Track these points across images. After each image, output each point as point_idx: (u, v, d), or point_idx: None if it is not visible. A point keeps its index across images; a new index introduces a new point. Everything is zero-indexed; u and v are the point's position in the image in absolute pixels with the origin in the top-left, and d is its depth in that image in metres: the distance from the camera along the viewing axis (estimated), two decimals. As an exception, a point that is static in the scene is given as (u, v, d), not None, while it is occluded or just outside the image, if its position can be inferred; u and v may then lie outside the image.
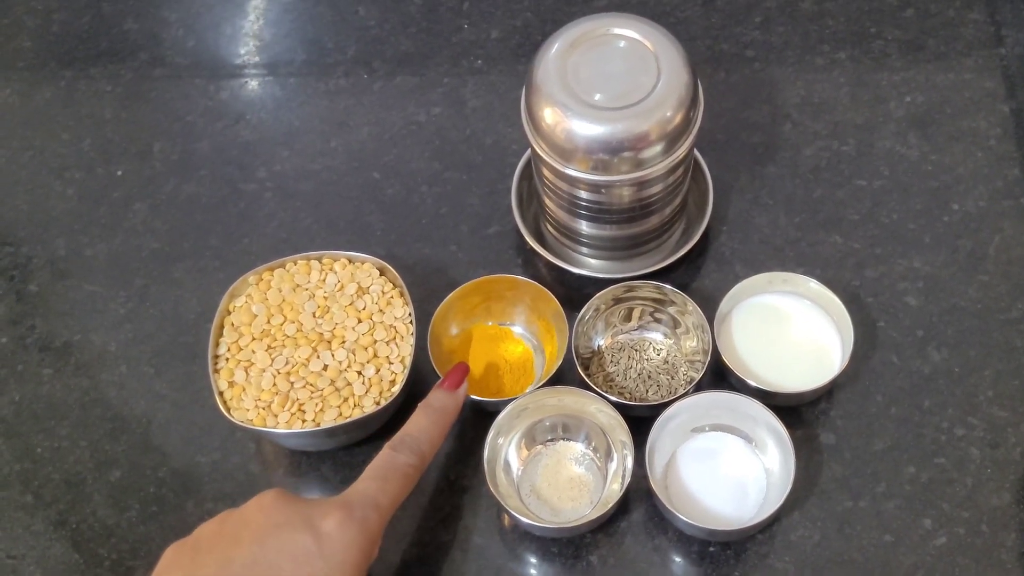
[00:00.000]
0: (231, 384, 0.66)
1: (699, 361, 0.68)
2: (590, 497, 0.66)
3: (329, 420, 0.65)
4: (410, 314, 0.68)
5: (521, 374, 0.71)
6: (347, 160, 0.82)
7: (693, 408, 0.66)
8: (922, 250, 0.74)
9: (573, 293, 0.72)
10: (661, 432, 0.65)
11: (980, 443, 0.67)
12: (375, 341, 0.67)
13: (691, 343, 0.70)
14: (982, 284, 0.73)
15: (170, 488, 0.69)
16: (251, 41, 0.89)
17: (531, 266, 0.76)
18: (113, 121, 0.86)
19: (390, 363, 0.67)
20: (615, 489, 0.64)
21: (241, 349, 0.67)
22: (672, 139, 0.63)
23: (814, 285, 0.69)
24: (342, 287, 0.69)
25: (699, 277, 0.75)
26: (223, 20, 0.91)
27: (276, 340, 0.67)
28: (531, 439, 0.68)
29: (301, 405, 0.65)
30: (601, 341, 0.72)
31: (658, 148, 0.62)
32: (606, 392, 0.66)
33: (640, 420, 0.65)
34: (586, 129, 0.62)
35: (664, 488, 0.65)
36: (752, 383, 0.66)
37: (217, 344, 0.68)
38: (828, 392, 0.69)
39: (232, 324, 0.68)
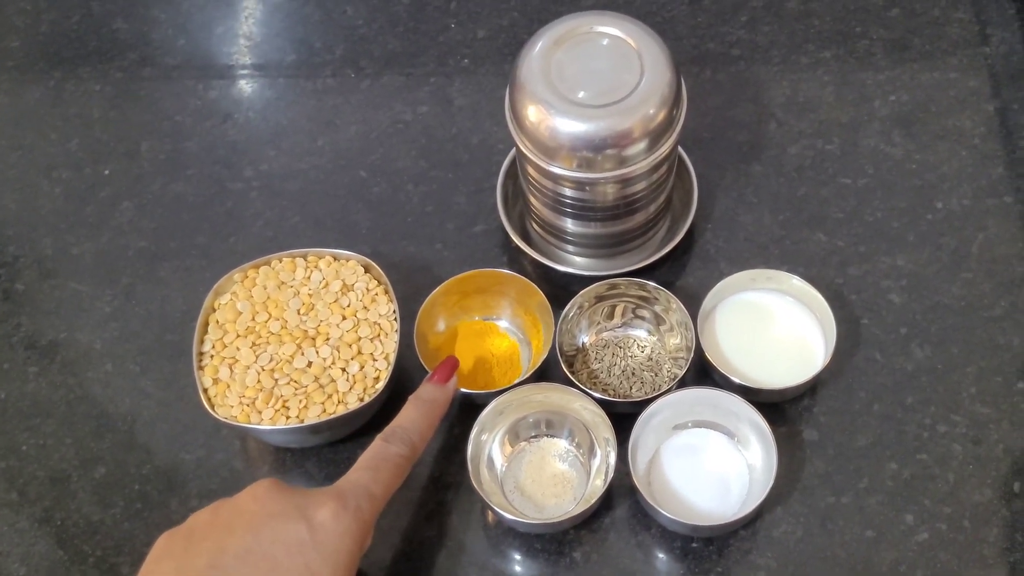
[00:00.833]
0: (215, 381, 0.66)
1: (683, 358, 0.68)
2: (573, 493, 0.66)
3: (313, 417, 0.65)
4: (394, 311, 0.69)
5: (508, 367, 0.71)
6: (334, 159, 0.82)
7: (676, 405, 0.66)
8: (906, 248, 0.75)
9: (559, 291, 0.72)
10: (644, 428, 0.65)
11: (962, 439, 0.67)
12: (359, 338, 0.67)
13: (675, 340, 0.70)
14: (965, 282, 0.73)
15: (155, 485, 0.69)
16: (240, 41, 0.90)
17: (517, 264, 0.76)
18: (101, 120, 0.86)
19: (374, 360, 0.67)
20: (598, 485, 0.64)
21: (226, 346, 0.67)
22: (655, 136, 0.63)
23: (797, 282, 0.70)
24: (327, 284, 0.69)
25: (684, 275, 0.75)
26: (212, 20, 0.91)
27: (261, 337, 0.67)
28: (515, 435, 0.68)
29: (285, 402, 0.65)
30: (585, 338, 0.72)
31: (641, 145, 0.63)
32: (590, 389, 0.66)
33: (624, 417, 0.65)
34: (569, 126, 0.62)
35: (647, 484, 0.65)
36: (735, 380, 0.66)
37: (202, 341, 0.68)
38: (811, 389, 0.69)
39: (217, 321, 0.68)
